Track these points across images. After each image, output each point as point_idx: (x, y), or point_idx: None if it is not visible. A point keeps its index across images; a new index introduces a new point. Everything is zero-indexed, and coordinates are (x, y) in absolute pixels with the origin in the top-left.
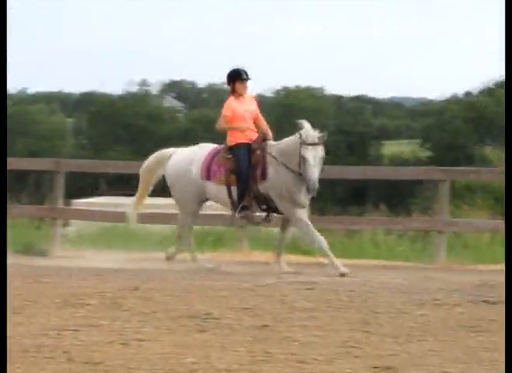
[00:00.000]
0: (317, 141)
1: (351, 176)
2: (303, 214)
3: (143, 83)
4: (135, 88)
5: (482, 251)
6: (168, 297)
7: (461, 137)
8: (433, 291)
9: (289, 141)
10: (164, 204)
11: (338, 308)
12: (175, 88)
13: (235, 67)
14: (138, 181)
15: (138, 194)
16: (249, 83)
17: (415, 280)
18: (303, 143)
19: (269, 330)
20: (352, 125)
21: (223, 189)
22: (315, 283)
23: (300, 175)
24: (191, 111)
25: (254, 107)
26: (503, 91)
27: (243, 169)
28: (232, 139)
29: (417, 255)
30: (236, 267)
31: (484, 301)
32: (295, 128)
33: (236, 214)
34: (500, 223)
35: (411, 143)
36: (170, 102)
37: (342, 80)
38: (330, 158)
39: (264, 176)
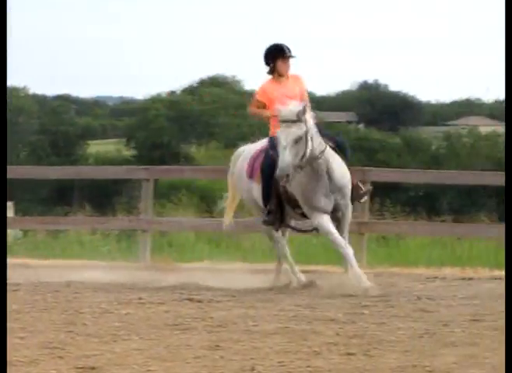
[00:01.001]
0: (290, 117)
1: (52, 176)
2: (324, 218)
3: None
4: None
5: (186, 249)
6: None
7: (165, 136)
8: (138, 290)
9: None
10: None
11: (43, 309)
12: None
13: (275, 43)
14: None
15: (228, 199)
16: (292, 61)
17: (120, 279)
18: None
19: None
20: (56, 124)
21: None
22: (19, 284)
23: (315, 171)
24: None
25: (297, 89)
26: (208, 90)
27: (265, 165)
28: (271, 129)
29: (123, 254)
30: None
31: (188, 299)
32: None
33: (259, 220)
34: (203, 221)
35: (116, 142)
36: None
37: (45, 79)
38: (34, 159)
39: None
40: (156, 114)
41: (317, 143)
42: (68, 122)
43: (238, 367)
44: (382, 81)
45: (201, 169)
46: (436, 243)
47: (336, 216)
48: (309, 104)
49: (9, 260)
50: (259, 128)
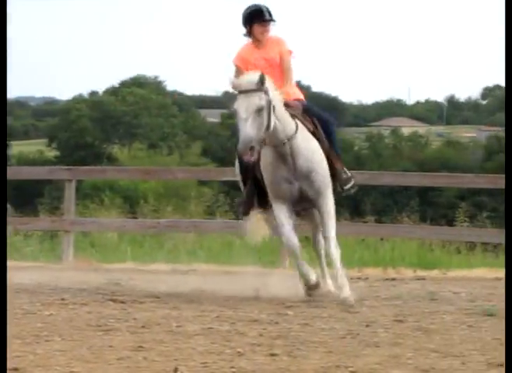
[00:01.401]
0: (249, 87)
1: None
2: (279, 208)
3: None
4: None
5: (109, 250)
6: None
7: (88, 137)
8: (60, 291)
9: None
10: None
11: None
12: None
13: (254, 4)
14: None
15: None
16: (272, 26)
17: (42, 280)
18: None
19: None
20: None
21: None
22: None
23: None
24: None
25: (276, 52)
26: (130, 90)
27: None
28: None
29: (45, 255)
30: None
31: (111, 300)
32: None
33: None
34: (126, 221)
35: (39, 143)
36: None
37: None
38: None
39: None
40: (79, 115)
41: (285, 122)
42: None
43: (161, 368)
44: (304, 82)
45: (124, 170)
46: (359, 244)
47: (309, 207)
48: (291, 67)
49: None
50: (181, 129)
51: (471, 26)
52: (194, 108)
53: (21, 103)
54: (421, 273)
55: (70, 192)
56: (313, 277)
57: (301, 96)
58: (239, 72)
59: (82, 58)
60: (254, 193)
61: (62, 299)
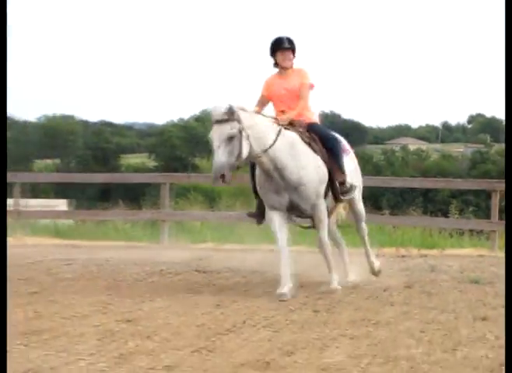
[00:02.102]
0: (220, 117)
1: (96, 181)
2: (271, 216)
3: None
4: None
5: (195, 234)
6: None
7: (178, 151)
8: (160, 264)
9: None
10: None
11: (90, 278)
12: None
13: (277, 36)
14: None
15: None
16: (292, 53)
17: (146, 256)
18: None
19: (39, 296)
20: (97, 143)
21: None
22: (72, 259)
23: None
24: None
25: (296, 82)
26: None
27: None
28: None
29: (148, 238)
30: None
31: (196, 271)
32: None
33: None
34: (207, 213)
35: (142, 156)
36: None
37: (88, 107)
38: (81, 168)
39: None
40: (171, 135)
41: (261, 140)
42: (106, 141)
43: (234, 320)
44: (336, 110)
45: (204, 176)
46: (378, 230)
47: (306, 216)
48: (306, 97)
49: (64, 242)
50: None
51: (464, 67)
52: None
53: (128, 127)
54: (424, 251)
55: (165, 192)
56: (288, 285)
57: (316, 120)
58: (262, 99)
59: (172, 90)
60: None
61: (161, 270)
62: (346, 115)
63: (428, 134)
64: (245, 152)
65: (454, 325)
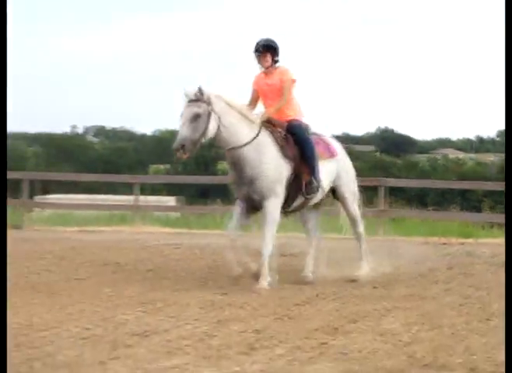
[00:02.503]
0: (190, 97)
1: (199, 182)
2: (234, 208)
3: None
4: None
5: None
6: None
7: None
8: (249, 250)
9: None
10: None
11: (194, 259)
12: None
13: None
14: None
15: None
16: (271, 55)
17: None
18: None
19: (153, 273)
20: (198, 151)
21: None
22: (179, 244)
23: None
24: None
25: (277, 80)
26: None
27: None
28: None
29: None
30: None
31: (283, 255)
32: None
33: None
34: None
35: None
36: None
37: None
38: (185, 172)
39: None
40: None
41: (232, 133)
42: (206, 150)
43: (309, 294)
44: (390, 126)
45: None
46: (424, 223)
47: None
48: (288, 92)
49: (173, 230)
50: None
51: (494, 88)
52: None
53: None
54: (461, 240)
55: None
56: (236, 269)
57: (299, 117)
58: (253, 94)
59: None
60: None
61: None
62: (399, 130)
63: (464, 145)
64: (211, 131)
65: (487, 300)
